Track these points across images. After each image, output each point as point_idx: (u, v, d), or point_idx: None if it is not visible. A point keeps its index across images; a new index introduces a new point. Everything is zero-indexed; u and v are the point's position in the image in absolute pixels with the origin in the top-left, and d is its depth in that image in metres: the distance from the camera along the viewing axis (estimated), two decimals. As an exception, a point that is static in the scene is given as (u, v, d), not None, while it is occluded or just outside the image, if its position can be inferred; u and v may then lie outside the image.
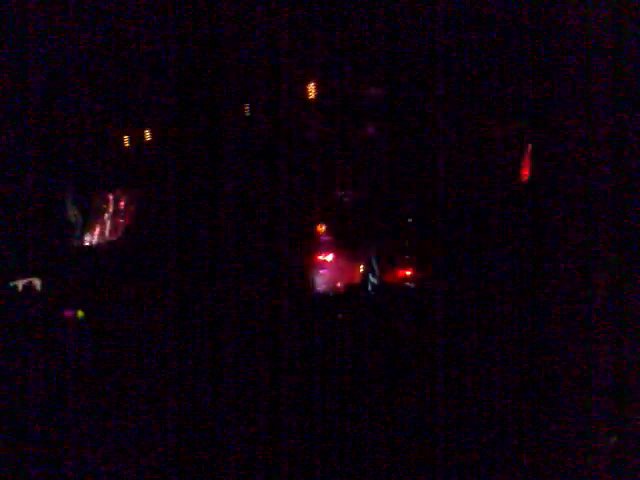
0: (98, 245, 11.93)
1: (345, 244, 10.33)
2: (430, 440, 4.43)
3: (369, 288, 9.62)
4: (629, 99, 7.06)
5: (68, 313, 8.74)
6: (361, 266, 9.85)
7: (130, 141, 11.30)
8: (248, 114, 10.43)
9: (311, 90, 9.97)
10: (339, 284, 9.74)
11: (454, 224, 9.01)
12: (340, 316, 8.37)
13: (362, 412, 4.73)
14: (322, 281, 10.16)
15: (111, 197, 11.65)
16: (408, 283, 9.44)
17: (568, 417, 4.22)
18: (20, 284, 9.36)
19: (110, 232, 11.87)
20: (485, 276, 7.90)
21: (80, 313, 8.99)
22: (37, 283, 9.67)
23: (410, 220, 9.41)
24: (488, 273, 7.89)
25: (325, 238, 10.74)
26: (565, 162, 7.53)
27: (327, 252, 10.73)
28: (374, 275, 9.66)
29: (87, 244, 11.92)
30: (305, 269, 9.89)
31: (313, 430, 4.56)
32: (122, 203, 11.75)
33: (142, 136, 10.79)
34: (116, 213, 11.79)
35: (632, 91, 7.10)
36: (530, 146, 8.00)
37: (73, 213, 11.77)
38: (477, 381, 5.06)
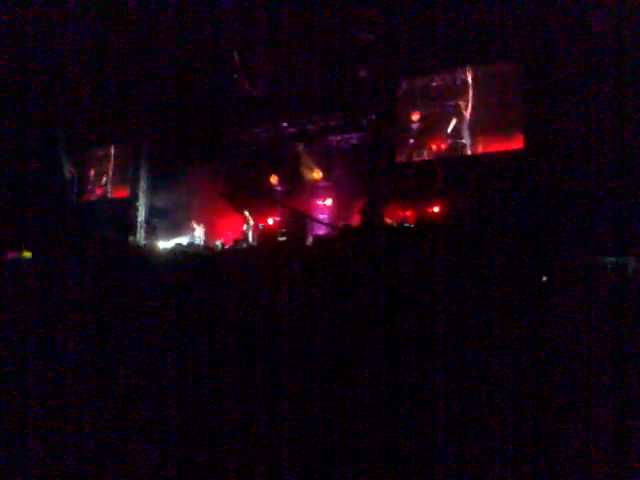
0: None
1: (342, 187, 10.41)
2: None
3: (370, 230, 9.67)
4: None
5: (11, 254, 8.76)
6: (360, 207, 9.89)
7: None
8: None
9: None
10: (339, 227, 9.80)
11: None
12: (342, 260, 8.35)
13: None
14: (321, 224, 10.28)
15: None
16: (407, 224, 9.49)
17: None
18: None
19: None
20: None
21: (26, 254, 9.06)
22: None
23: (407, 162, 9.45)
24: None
25: (323, 184, 10.84)
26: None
27: (325, 197, 10.82)
28: (375, 217, 9.70)
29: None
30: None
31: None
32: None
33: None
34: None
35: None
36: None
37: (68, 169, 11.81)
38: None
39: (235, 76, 10.30)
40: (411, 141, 9.45)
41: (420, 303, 5.89)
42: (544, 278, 6.41)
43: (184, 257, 9.92)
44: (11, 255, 8.88)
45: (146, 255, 10.02)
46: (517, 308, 5.59)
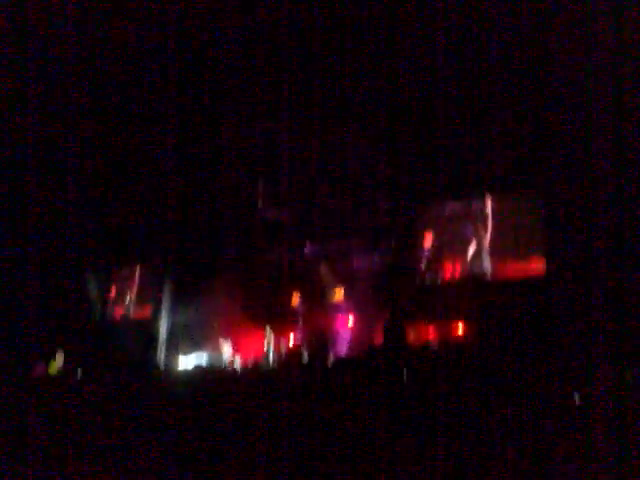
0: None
1: (364, 307, 10.53)
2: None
3: (390, 352, 9.70)
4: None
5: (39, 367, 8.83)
6: (381, 328, 9.94)
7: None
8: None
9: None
10: (360, 346, 9.84)
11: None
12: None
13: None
14: (343, 344, 10.31)
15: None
16: (431, 345, 9.50)
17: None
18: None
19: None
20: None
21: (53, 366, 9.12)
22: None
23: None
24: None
25: (344, 303, 10.97)
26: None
27: (347, 316, 10.92)
28: (395, 337, 9.74)
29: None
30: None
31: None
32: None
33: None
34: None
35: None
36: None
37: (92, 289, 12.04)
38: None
39: (259, 204, 10.80)
40: (430, 265, 9.69)
41: (445, 430, 5.86)
42: (576, 398, 6.33)
43: (205, 382, 9.84)
44: (39, 370, 9.03)
45: (165, 380, 9.95)
46: (549, 433, 5.56)
